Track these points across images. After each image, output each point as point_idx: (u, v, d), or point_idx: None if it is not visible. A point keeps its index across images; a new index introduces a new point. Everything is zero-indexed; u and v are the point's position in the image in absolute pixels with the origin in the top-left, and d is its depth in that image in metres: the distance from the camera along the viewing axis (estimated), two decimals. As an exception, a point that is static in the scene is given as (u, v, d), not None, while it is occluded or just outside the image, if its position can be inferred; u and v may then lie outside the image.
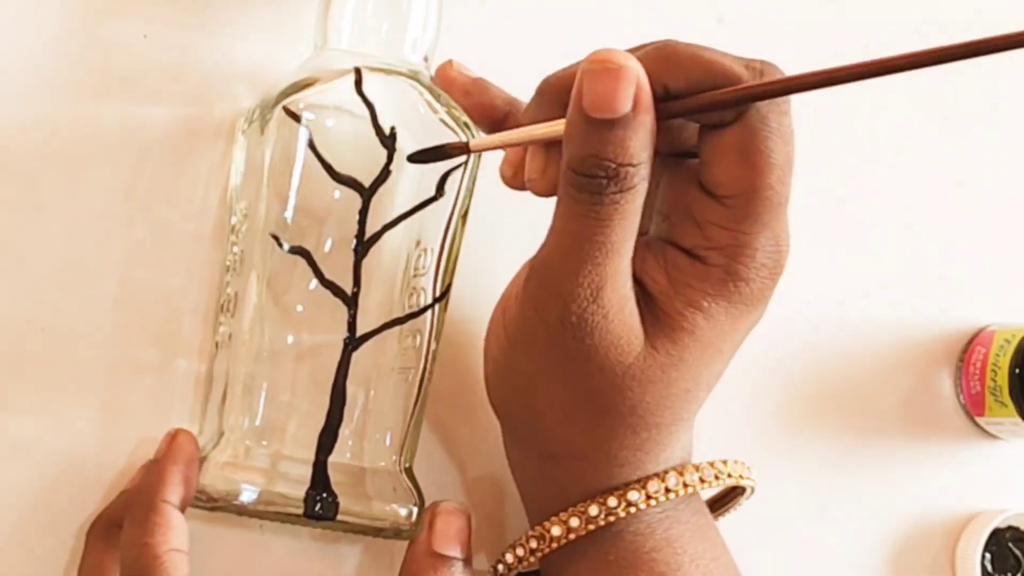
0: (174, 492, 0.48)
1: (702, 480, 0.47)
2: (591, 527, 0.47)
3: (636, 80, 0.42)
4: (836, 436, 0.62)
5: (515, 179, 0.49)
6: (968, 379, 0.62)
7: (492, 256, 0.55)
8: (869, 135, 0.63)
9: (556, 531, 0.47)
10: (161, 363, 0.52)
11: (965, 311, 0.64)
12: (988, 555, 0.62)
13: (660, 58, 0.43)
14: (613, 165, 0.42)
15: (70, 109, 0.51)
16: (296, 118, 0.48)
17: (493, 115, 0.51)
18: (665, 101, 0.43)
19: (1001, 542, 0.62)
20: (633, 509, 0.46)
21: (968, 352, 0.63)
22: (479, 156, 0.51)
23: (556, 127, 0.45)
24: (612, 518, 0.46)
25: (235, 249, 0.50)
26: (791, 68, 0.45)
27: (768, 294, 0.46)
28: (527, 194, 0.51)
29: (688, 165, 0.46)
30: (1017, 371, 0.60)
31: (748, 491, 0.51)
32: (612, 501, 0.46)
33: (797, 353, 0.61)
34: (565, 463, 0.47)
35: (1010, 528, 0.63)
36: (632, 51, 0.44)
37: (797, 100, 0.50)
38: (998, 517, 0.62)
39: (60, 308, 0.51)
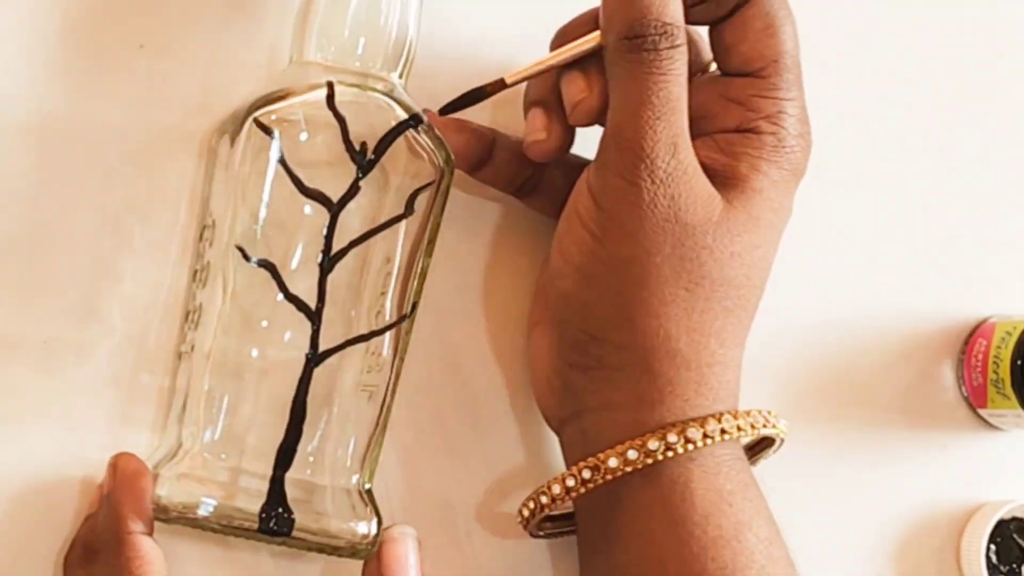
0: (137, 521, 0.48)
1: (752, 426, 0.49)
2: (648, 460, 0.47)
3: None
4: (838, 429, 0.62)
5: (552, 136, 0.51)
6: (970, 371, 0.62)
7: (462, 276, 0.56)
8: (870, 128, 0.63)
9: (613, 462, 0.47)
10: (126, 374, 0.52)
11: (966, 303, 0.63)
12: (993, 547, 0.62)
13: None
14: (660, 22, 0.46)
15: (45, 116, 0.52)
16: (267, 130, 0.48)
17: (481, 142, 0.52)
18: None
19: (1005, 534, 0.62)
20: (691, 447, 0.47)
21: (969, 344, 0.63)
22: (452, 175, 0.51)
23: (589, 40, 0.49)
24: (671, 453, 0.47)
25: (203, 260, 0.50)
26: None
27: (804, 165, 0.50)
28: (497, 214, 0.51)
29: (699, 79, 0.50)
30: (1019, 363, 0.60)
31: (777, 443, 0.52)
32: (672, 437, 0.47)
33: (798, 346, 0.61)
34: (661, 370, 0.48)
35: (1015, 519, 0.63)
36: None
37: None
38: (1002, 509, 0.62)
39: (24, 316, 0.51)
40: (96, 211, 0.52)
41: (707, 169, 0.48)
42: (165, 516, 0.49)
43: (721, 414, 0.48)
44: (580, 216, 0.49)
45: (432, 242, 0.51)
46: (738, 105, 0.49)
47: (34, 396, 0.51)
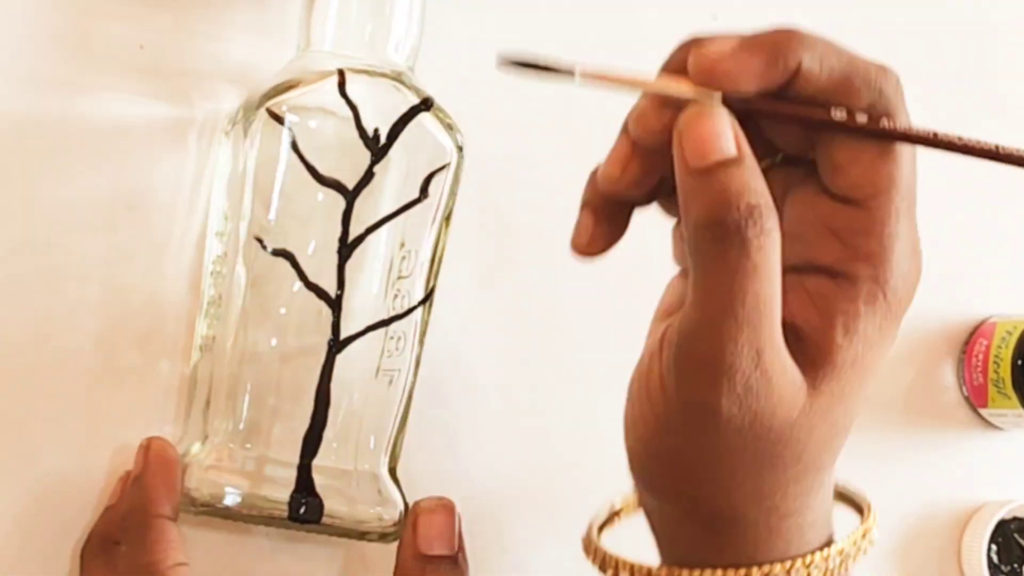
0: (165, 505, 0.48)
1: (842, 559, 0.43)
2: None
3: (731, 122, 0.39)
4: (838, 429, 0.62)
5: (624, 175, 0.42)
6: (971, 371, 0.62)
7: (477, 259, 0.56)
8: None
9: None
10: (145, 367, 0.51)
11: (967, 303, 0.64)
12: (994, 547, 0.62)
13: (790, 37, 0.41)
14: (747, 203, 0.39)
15: (55, 110, 0.51)
16: (279, 120, 0.48)
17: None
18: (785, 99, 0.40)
19: (1007, 533, 0.62)
20: None
21: (970, 344, 0.63)
22: (462, 157, 0.50)
23: (684, 89, 0.40)
24: None
25: (219, 251, 0.50)
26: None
27: (909, 298, 0.42)
28: (510, 195, 0.50)
29: (811, 174, 0.43)
30: (1020, 363, 0.60)
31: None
32: None
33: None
34: (726, 528, 0.42)
35: (1015, 519, 0.63)
36: (744, 39, 0.41)
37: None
38: (1003, 508, 0.62)
39: (40, 311, 0.51)
40: (102, 208, 0.52)
41: (798, 335, 0.41)
42: (193, 507, 0.49)
43: (810, 556, 0.42)
44: (649, 390, 0.42)
45: (447, 224, 0.51)
46: (837, 239, 0.41)
47: (54, 391, 0.50)
